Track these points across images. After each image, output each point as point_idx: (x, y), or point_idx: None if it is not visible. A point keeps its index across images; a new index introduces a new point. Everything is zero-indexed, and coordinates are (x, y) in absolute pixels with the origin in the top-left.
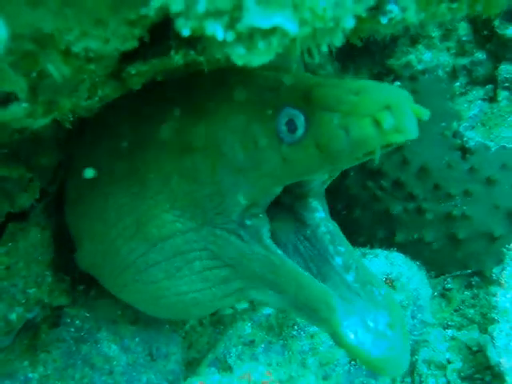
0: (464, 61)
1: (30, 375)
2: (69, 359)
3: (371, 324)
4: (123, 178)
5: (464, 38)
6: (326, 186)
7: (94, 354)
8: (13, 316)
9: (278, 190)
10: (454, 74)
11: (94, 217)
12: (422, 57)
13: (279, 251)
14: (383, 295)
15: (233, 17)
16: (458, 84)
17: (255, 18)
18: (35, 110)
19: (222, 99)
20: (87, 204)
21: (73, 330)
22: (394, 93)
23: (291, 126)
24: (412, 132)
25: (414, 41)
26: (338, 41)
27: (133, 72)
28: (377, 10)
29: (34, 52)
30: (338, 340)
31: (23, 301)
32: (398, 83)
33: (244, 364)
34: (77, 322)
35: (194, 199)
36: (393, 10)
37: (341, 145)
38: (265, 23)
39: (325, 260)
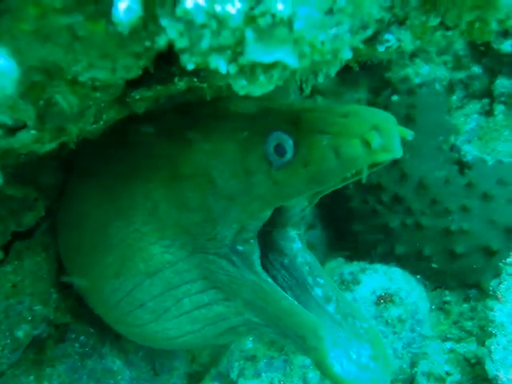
0: (461, 75)
1: None
2: (74, 374)
3: (354, 356)
4: (108, 211)
5: (461, 53)
6: (304, 215)
7: (99, 369)
8: (20, 333)
9: (268, 213)
10: (450, 88)
11: (80, 253)
12: (420, 70)
13: (269, 279)
14: (366, 329)
15: (235, 51)
16: (454, 98)
17: (257, 53)
18: (43, 136)
19: (210, 127)
20: (74, 237)
21: (78, 345)
22: (381, 114)
23: (280, 149)
24: (397, 151)
25: (411, 55)
26: (334, 71)
27: (137, 97)
28: (374, 39)
29: (43, 82)
30: (323, 368)
31: (29, 318)
32: (396, 97)
33: (246, 382)
34: (81, 337)
35: (184, 227)
36: (389, 39)
37: (331, 165)
38: (266, 58)
39: (304, 290)
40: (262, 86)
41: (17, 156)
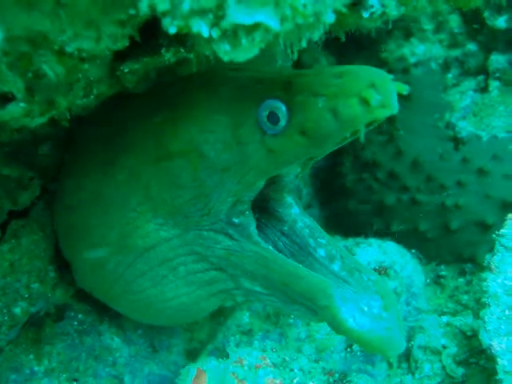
0: (456, 52)
1: (36, 368)
2: (73, 352)
3: (365, 308)
4: (105, 192)
5: (456, 30)
6: (298, 181)
7: (98, 346)
8: (17, 310)
9: (262, 183)
10: (446, 66)
11: (79, 232)
12: (416, 50)
13: (270, 247)
14: (373, 281)
15: (217, 15)
16: (450, 75)
17: (238, 15)
18: (32, 109)
19: (198, 101)
20: (73, 219)
21: (76, 323)
22: (376, 72)
23: (273, 117)
24: (395, 106)
25: (407, 34)
26: (317, 35)
27: (126, 70)
28: (358, 4)
29: (29, 53)
30: (337, 325)
31: (27, 295)
32: (391, 76)
33: (239, 350)
34: (80, 315)
35: (175, 206)
36: (373, 4)
37: (329, 127)
38: (247, 20)
39: (307, 253)
40: (245, 51)
41: (10, 132)
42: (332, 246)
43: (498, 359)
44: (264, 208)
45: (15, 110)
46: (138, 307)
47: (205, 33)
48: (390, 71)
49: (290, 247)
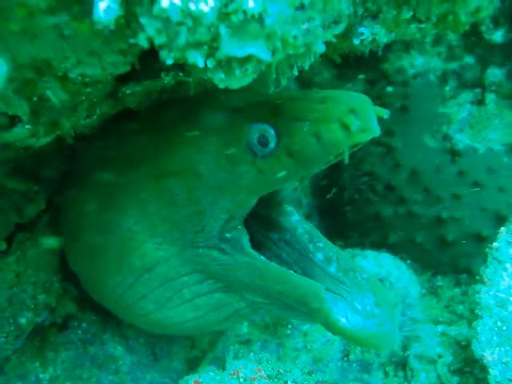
0: (454, 65)
1: (41, 376)
2: (77, 360)
3: (359, 306)
4: (103, 212)
5: (454, 43)
6: (297, 193)
7: (101, 355)
8: (23, 320)
9: (254, 201)
10: (444, 78)
11: (81, 251)
12: (415, 62)
13: (262, 257)
14: (366, 279)
15: (211, 46)
16: (448, 88)
17: (231, 47)
18: (37, 130)
19: (194, 123)
20: (74, 237)
21: (80, 332)
22: (357, 97)
23: (263, 140)
24: (375, 130)
25: (407, 46)
26: (308, 64)
27: (128, 92)
28: (349, 33)
29: (34, 79)
30: (330, 326)
31: (32, 306)
32: (390, 88)
33: (236, 362)
34: (84, 324)
35: (172, 223)
36: (364, 32)
37: (313, 150)
38: (240, 52)
39: (307, 259)
40: (238, 79)
41: (16, 150)
42: (329, 249)
43: (490, 369)
44: (266, 220)
45: (21, 131)
46: (146, 326)
47: (200, 63)
48: (389, 83)
49: (292, 255)
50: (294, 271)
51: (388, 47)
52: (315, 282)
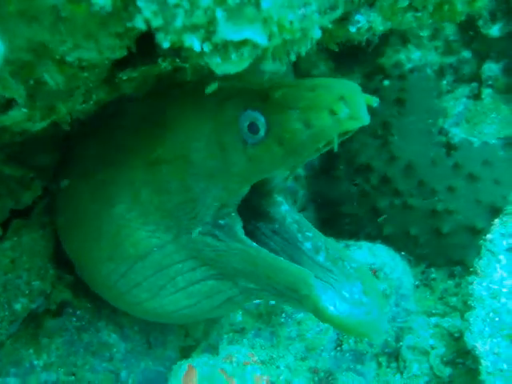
0: (451, 59)
1: (35, 362)
2: (71, 347)
3: (347, 295)
4: (96, 199)
5: (451, 38)
6: (288, 182)
7: (95, 342)
8: (17, 306)
9: (246, 189)
10: (441, 72)
11: (75, 238)
12: (412, 55)
13: (254, 243)
14: (354, 268)
15: (208, 30)
16: (444, 82)
17: (227, 31)
18: (34, 114)
19: (185, 109)
20: (69, 224)
21: (75, 319)
22: (346, 85)
23: (253, 127)
24: (364, 118)
25: (404, 40)
26: (305, 50)
27: (124, 78)
28: (345, 20)
29: (32, 62)
30: (319, 313)
31: (27, 292)
32: (387, 82)
33: (229, 347)
34: (78, 312)
35: (166, 210)
36: (360, 20)
37: (302, 138)
38: (236, 36)
39: (295, 248)
40: (234, 64)
41: (11, 134)
42: (318, 238)
43: (482, 360)
44: (256, 209)
45: (17, 114)
46: (139, 313)
47: (197, 47)
48: (386, 77)
49: (280, 244)
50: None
51: (385, 40)
52: (305, 269)
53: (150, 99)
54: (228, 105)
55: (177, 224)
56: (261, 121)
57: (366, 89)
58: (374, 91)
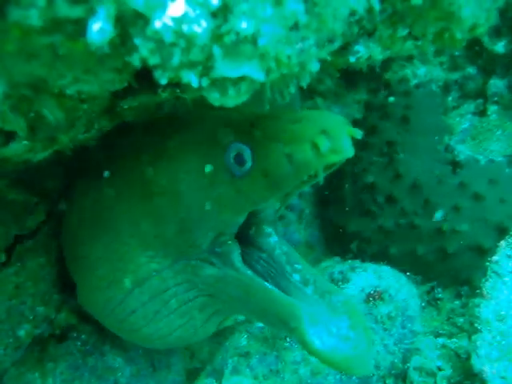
0: (456, 75)
1: None
2: (76, 371)
3: (334, 329)
4: (99, 224)
5: (456, 53)
6: (279, 214)
7: (100, 366)
8: (21, 332)
9: (241, 219)
10: (446, 89)
11: (78, 264)
12: (417, 71)
13: (249, 271)
14: (342, 302)
15: (206, 66)
16: (450, 98)
17: (225, 68)
18: (35, 146)
19: (174, 143)
20: (73, 249)
21: (79, 343)
22: (329, 118)
23: (239, 159)
24: (347, 151)
25: (410, 55)
26: (305, 82)
27: (125, 107)
28: (345, 50)
29: (30, 96)
30: (306, 346)
31: (31, 317)
32: (392, 98)
33: (232, 378)
34: (83, 336)
35: (164, 238)
36: (359, 50)
37: (285, 171)
38: (233, 73)
39: (284, 277)
40: (232, 98)
41: (15, 163)
42: (306, 271)
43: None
44: (244, 237)
45: (18, 147)
46: (138, 341)
47: (194, 83)
48: (392, 93)
49: (268, 270)
50: None
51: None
52: (295, 302)
53: (148, 129)
54: (215, 137)
55: (175, 251)
56: (247, 152)
57: (371, 104)
58: (380, 107)
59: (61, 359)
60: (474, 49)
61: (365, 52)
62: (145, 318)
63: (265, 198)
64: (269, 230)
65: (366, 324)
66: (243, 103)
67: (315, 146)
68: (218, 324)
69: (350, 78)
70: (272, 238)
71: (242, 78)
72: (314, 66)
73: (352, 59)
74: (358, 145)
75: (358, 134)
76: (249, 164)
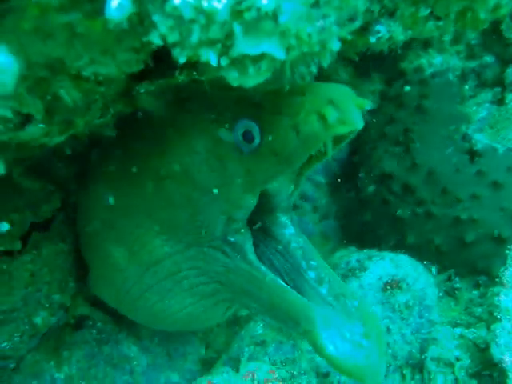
0: (473, 64)
1: (56, 375)
2: (91, 359)
3: (347, 334)
4: (116, 208)
5: (473, 42)
6: (293, 199)
7: (116, 355)
8: (38, 320)
9: (253, 201)
10: (463, 77)
11: (94, 249)
12: (433, 60)
13: (263, 267)
14: (356, 307)
15: (225, 44)
16: (467, 87)
17: (245, 46)
18: (51, 129)
19: (184, 124)
20: (89, 235)
21: (95, 332)
22: (336, 89)
23: (248, 136)
24: (356, 122)
25: (426, 44)
26: (326, 62)
27: (142, 91)
28: (365, 30)
29: (48, 78)
30: (318, 350)
31: (47, 305)
32: (408, 87)
33: (250, 364)
34: (98, 324)
35: (176, 224)
36: (380, 30)
37: (293, 144)
38: (254, 50)
39: (298, 274)
40: (252, 78)
41: (31, 149)
42: (322, 269)
43: (509, 373)
44: (260, 227)
45: (35, 130)
46: (150, 320)
47: (213, 62)
48: (407, 82)
49: (284, 265)
50: (286, 282)
51: (406, 45)
52: (309, 304)
53: (160, 114)
54: (223, 115)
55: (187, 236)
56: (255, 129)
57: (386, 94)
58: (395, 97)
59: (76, 347)
60: (492, 37)
61: (386, 32)
62: (158, 294)
63: (274, 175)
64: (284, 218)
65: (380, 330)
66: (263, 83)
67: (322, 117)
68: (226, 308)
69: (364, 68)
70: (288, 230)
71: (262, 56)
72: (335, 45)
73: (372, 39)
74: (374, 134)
75: (367, 104)
76: (257, 140)
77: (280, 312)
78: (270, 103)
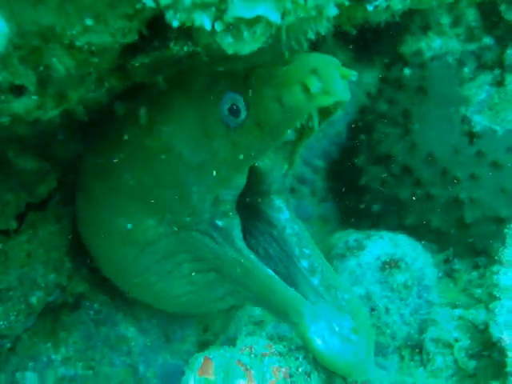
0: (472, 46)
1: (53, 356)
2: (89, 340)
3: (336, 328)
4: (110, 187)
5: (472, 24)
6: (288, 181)
7: (113, 336)
8: (33, 299)
9: (241, 180)
10: (462, 60)
11: (91, 226)
12: (432, 43)
13: (252, 255)
14: (347, 300)
15: (219, 8)
16: (466, 69)
17: (240, 8)
18: (45, 102)
19: (172, 100)
20: (86, 212)
21: (92, 312)
22: (320, 58)
23: (233, 110)
24: (341, 93)
25: (425, 28)
26: (323, 28)
27: (136, 64)
28: None
29: (40, 47)
30: (305, 343)
31: (43, 285)
32: (408, 70)
33: (246, 339)
34: (95, 305)
35: (164, 204)
36: None
37: (277, 116)
38: (248, 13)
39: (291, 262)
40: (247, 43)
41: (25, 125)
42: (315, 258)
43: (508, 352)
44: (253, 211)
45: (28, 102)
46: (152, 299)
47: (207, 26)
48: (406, 65)
49: (278, 253)
50: (278, 271)
51: (405, 28)
52: (298, 297)
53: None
54: (209, 89)
55: (176, 219)
56: (241, 102)
57: (386, 78)
58: (395, 80)
59: (73, 328)
60: (491, 19)
61: (383, 0)
62: (158, 275)
63: (260, 150)
64: (278, 201)
65: (369, 325)
66: (258, 50)
67: (305, 88)
68: (228, 305)
69: (363, 51)
70: (283, 215)
71: (257, 20)
72: (332, 11)
73: (370, 7)
74: (373, 116)
75: (353, 74)
76: (243, 114)
77: (269, 303)
78: (255, 76)
